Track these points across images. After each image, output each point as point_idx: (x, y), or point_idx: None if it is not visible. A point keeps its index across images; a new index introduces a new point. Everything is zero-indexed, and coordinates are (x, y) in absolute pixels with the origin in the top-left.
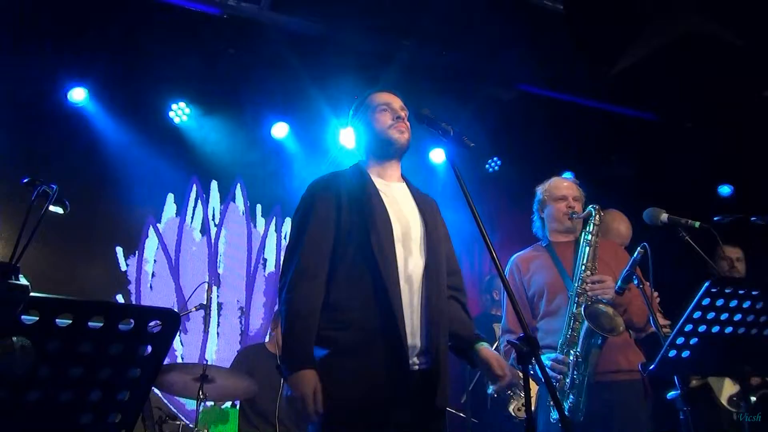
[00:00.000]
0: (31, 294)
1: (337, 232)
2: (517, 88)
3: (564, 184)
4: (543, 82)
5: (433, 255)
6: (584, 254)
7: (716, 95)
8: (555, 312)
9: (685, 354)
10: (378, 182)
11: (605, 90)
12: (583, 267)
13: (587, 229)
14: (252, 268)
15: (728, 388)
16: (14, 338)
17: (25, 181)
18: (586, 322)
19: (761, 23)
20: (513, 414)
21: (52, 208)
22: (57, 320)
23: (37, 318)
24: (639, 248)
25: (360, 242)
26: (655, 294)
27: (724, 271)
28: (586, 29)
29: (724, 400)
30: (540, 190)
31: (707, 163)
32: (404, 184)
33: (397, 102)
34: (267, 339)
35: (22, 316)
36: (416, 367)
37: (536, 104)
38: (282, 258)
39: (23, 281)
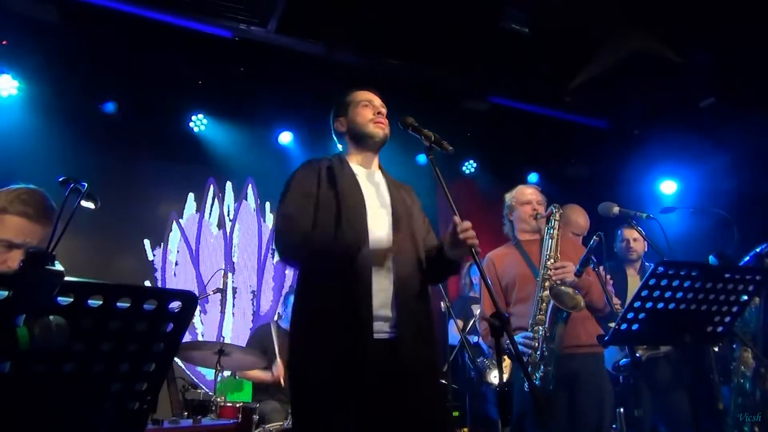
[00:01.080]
0: (66, 278)
1: (316, 204)
2: (490, 100)
3: (528, 190)
4: (512, 95)
5: (398, 232)
6: (548, 246)
7: (660, 106)
8: (525, 299)
9: (635, 327)
10: (356, 169)
11: (564, 102)
12: (548, 256)
13: (550, 225)
14: (262, 258)
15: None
16: (51, 317)
17: (60, 179)
18: (552, 302)
19: (697, 45)
20: (490, 382)
21: (83, 203)
22: (89, 301)
23: (72, 299)
24: (595, 236)
25: (334, 216)
26: (608, 277)
27: (622, 249)
28: (549, 50)
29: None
30: (508, 197)
31: (653, 165)
32: (381, 172)
33: (377, 100)
34: (276, 317)
35: (58, 298)
36: (385, 335)
37: (506, 114)
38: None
39: (59, 267)
